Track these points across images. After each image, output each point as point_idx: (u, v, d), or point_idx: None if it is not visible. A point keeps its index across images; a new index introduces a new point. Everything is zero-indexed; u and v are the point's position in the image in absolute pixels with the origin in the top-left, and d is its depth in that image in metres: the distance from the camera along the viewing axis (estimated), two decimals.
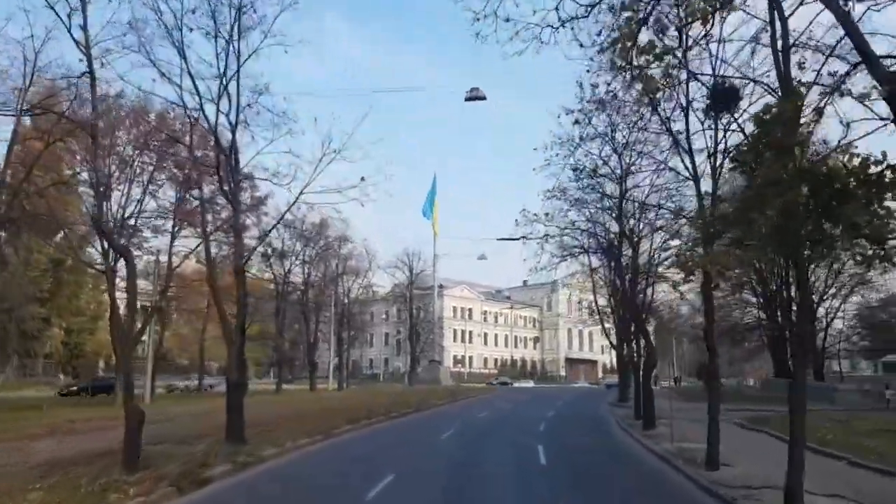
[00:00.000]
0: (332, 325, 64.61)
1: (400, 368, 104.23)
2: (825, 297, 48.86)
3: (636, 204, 25.34)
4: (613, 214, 26.51)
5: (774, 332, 56.59)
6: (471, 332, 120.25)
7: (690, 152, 17.00)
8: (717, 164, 16.41)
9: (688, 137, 17.02)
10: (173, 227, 39.54)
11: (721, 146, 16.23)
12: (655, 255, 28.39)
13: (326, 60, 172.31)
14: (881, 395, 38.72)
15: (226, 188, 18.46)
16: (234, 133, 18.23)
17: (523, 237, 20.68)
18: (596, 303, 45.11)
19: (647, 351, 26.45)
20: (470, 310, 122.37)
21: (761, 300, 59.45)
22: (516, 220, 26.30)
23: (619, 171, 25.89)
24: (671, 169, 17.89)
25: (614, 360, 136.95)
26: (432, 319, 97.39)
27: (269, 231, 25.75)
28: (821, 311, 50.80)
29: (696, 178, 16.95)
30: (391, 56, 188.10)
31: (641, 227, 27.65)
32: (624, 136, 25.07)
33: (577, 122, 24.25)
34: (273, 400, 40.95)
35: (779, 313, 54.60)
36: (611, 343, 47.47)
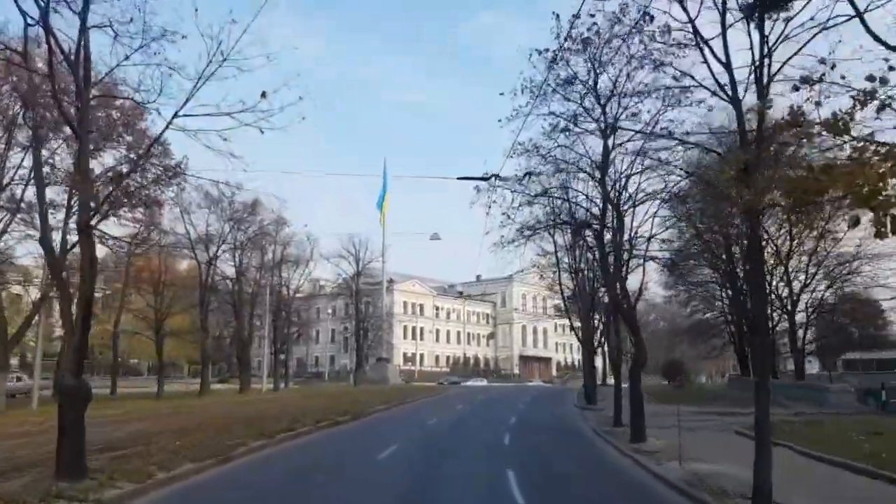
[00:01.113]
0: (268, 319, 58.30)
1: (347, 366, 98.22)
2: (805, 289, 44.91)
3: (626, 161, 20.65)
4: (596, 178, 21.59)
5: (745, 323, 53.13)
6: (422, 329, 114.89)
7: (728, 64, 12.13)
8: (766, 77, 11.68)
9: (725, 44, 12.18)
10: (69, 198, 32.99)
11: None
12: (648, 226, 23.89)
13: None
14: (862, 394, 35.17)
15: (69, 109, 12.71)
16: (82, 29, 12.56)
17: (495, 175, 15.49)
18: (562, 290, 40.31)
19: (637, 346, 21.55)
20: (421, 305, 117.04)
21: (728, 293, 56.05)
22: (476, 187, 21.34)
23: (603, 124, 21.08)
24: (700, 85, 12.88)
25: (568, 357, 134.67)
26: (381, 315, 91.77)
27: (130, 172, 19.49)
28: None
29: (736, 99, 12.08)
30: (336, 44, 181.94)
31: (626, 196, 22.87)
32: (611, 79, 20.30)
33: (554, 60, 19.42)
34: (187, 405, 34.93)
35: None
36: (577, 337, 42.78)
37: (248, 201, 48.40)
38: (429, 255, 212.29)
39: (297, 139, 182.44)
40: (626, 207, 22.58)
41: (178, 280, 52.25)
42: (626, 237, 23.55)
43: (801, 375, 44.95)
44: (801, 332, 47.29)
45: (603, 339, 44.66)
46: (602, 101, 20.88)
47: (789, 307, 44.94)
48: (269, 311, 57.59)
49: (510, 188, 21.78)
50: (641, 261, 24.63)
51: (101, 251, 39.22)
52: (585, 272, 36.85)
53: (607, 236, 23.46)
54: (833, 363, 61.96)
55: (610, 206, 21.38)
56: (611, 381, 64.53)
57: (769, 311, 50.15)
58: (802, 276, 44.76)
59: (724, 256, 52.25)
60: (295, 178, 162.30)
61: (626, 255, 22.14)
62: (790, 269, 44.37)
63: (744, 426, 25.25)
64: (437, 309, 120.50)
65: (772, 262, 47.60)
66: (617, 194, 21.52)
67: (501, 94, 19.61)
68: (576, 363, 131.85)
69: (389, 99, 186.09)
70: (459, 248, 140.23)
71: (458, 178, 14.32)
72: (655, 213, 23.04)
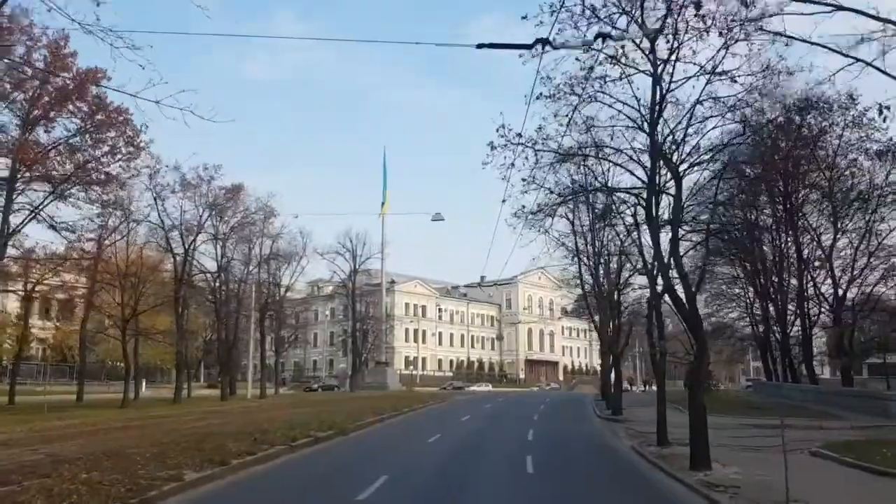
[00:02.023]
0: (253, 318, 53.41)
1: (345, 371, 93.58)
2: (851, 284, 39.93)
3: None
4: (644, 130, 16.82)
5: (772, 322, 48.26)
6: (424, 331, 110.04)
7: None
8: None
9: None
10: (12, 173, 28.35)
11: None
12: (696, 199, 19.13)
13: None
14: None
15: None
16: None
17: (542, 41, 10.67)
18: (582, 284, 35.53)
19: (700, 348, 16.58)
20: (423, 307, 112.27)
21: (751, 292, 51.38)
22: (491, 143, 16.74)
23: (652, 62, 16.36)
24: None
25: (577, 361, 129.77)
26: (381, 316, 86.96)
27: None
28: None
29: None
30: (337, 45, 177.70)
31: (679, 158, 17.98)
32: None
33: None
34: (149, 415, 30.26)
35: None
36: (599, 336, 38.02)
37: (228, 185, 43.80)
38: (431, 256, 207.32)
39: (297, 139, 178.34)
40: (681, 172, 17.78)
41: (152, 275, 47.36)
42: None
43: (849, 381, 40.01)
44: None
45: (627, 339, 39.79)
46: (651, 35, 16.18)
47: (834, 304, 40.00)
48: (256, 310, 52.78)
49: (531, 146, 17.20)
50: (701, 237, 19.67)
51: (58, 240, 34.51)
52: (609, 258, 32.06)
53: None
54: (858, 367, 57.25)
55: (663, 165, 16.58)
56: (625, 385, 60.13)
57: (805, 308, 45.28)
58: (849, 272, 39.82)
59: (754, 250, 47.58)
60: (290, 174, 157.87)
61: (681, 231, 17.21)
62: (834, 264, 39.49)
63: (819, 444, 20.49)
64: (440, 311, 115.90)
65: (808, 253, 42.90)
66: (673, 148, 16.68)
67: (524, 17, 14.87)
68: (584, 367, 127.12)
69: (389, 99, 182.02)
70: (463, 249, 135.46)
71: (478, 46, 9.57)
72: (721, 171, 18.14)
